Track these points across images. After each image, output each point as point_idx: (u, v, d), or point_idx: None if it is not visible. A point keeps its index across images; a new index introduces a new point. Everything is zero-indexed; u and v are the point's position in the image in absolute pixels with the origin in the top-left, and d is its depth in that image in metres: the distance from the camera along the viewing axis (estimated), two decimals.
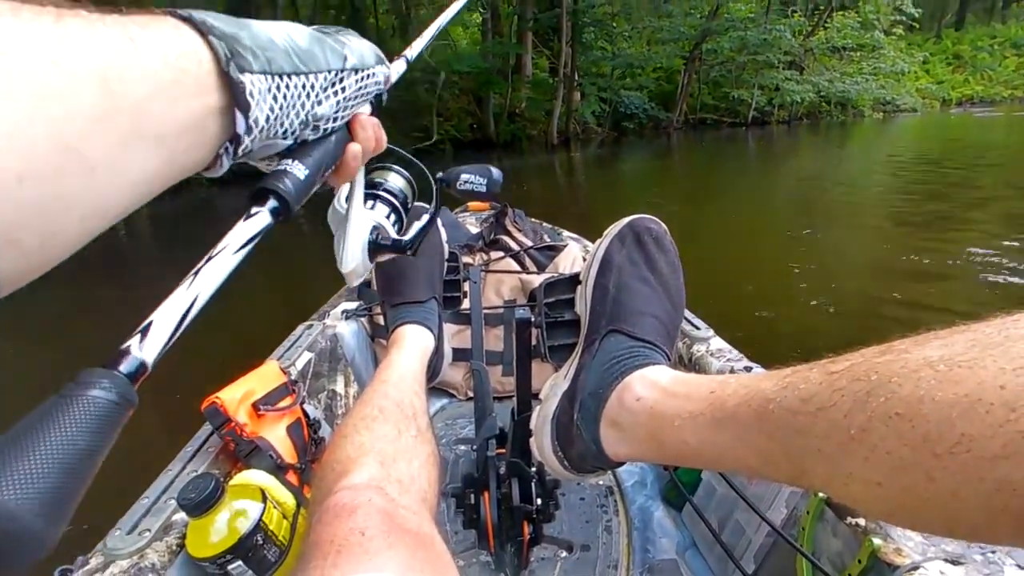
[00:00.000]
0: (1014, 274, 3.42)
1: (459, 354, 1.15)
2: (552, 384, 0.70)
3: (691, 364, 1.06)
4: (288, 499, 0.77)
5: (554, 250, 1.51)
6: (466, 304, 1.12)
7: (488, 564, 0.87)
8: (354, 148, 0.43)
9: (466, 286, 1.14)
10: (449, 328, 1.11)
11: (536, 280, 1.30)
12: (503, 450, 0.80)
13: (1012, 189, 6.14)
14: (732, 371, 0.94)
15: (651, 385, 0.58)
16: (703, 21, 13.95)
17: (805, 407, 0.39)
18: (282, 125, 0.35)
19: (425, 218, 0.65)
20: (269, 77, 0.32)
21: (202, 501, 0.66)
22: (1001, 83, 24.20)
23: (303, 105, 0.36)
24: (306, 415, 0.98)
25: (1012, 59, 25.16)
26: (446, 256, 1.10)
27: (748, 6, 15.28)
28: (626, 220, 0.79)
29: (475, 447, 0.83)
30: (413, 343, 0.92)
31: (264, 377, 0.95)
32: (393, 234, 0.60)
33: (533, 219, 1.86)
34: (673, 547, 0.94)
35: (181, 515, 0.73)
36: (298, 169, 0.38)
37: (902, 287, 3.38)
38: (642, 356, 0.65)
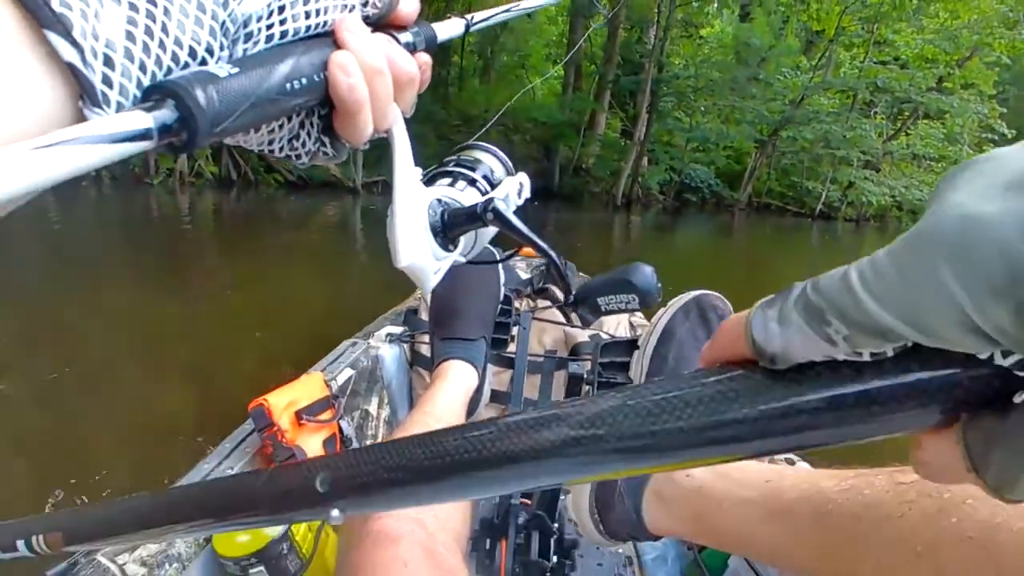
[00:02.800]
0: None
1: (495, 396, 1.13)
2: None
3: None
4: None
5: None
6: (511, 348, 1.10)
7: None
8: (340, 56, 0.29)
9: (515, 330, 1.11)
10: (491, 369, 1.11)
11: (580, 335, 1.29)
12: (527, 500, 0.79)
13: None
14: (771, 459, 0.91)
15: None
16: (786, 108, 13.92)
17: (869, 514, 0.37)
18: (174, 42, 0.24)
19: (519, 179, 0.52)
20: None
21: None
22: None
23: (200, 7, 0.24)
24: (341, 431, 0.99)
25: None
26: (501, 298, 1.08)
27: (831, 101, 15.23)
28: (692, 294, 0.77)
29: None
30: (458, 379, 0.89)
31: (309, 387, 0.97)
32: (469, 202, 0.44)
33: (583, 274, 1.84)
34: None
35: None
36: (223, 71, 0.24)
37: None
38: None
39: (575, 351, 1.25)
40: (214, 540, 0.69)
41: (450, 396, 0.84)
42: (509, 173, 0.52)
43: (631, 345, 0.83)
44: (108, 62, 0.21)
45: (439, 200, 0.42)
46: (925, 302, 0.15)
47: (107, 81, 0.21)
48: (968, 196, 0.14)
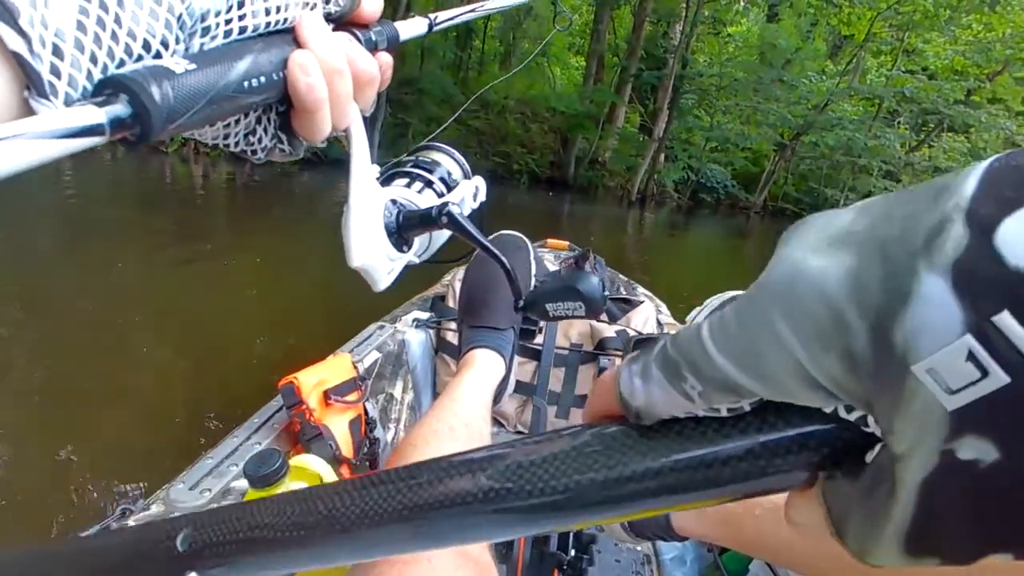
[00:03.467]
0: None
1: (519, 387, 1.14)
2: None
3: None
4: None
5: (629, 304, 1.50)
6: (538, 339, 1.11)
7: None
8: (300, 56, 0.28)
9: (542, 322, 1.13)
10: (516, 360, 1.08)
11: (607, 330, 1.29)
12: None
13: None
14: None
15: None
16: (809, 112, 13.74)
17: None
18: (128, 34, 0.22)
19: (475, 182, 0.52)
20: None
21: (267, 475, 0.67)
22: None
23: (159, 1, 0.23)
24: (367, 413, 1.00)
25: None
26: (531, 287, 1.04)
27: (855, 108, 15.02)
28: (729, 294, 0.76)
29: None
30: (485, 368, 0.86)
31: (338, 368, 0.98)
32: (424, 204, 0.45)
33: (611, 268, 1.87)
34: None
35: (241, 482, 0.74)
36: (180, 67, 0.24)
37: None
38: None
39: (601, 345, 1.25)
40: None
41: (477, 385, 0.83)
42: (466, 176, 0.52)
43: None
44: (57, 52, 0.20)
45: (394, 201, 0.42)
46: (764, 354, 0.15)
47: (55, 71, 0.20)
48: (799, 250, 0.15)
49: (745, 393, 0.16)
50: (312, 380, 0.90)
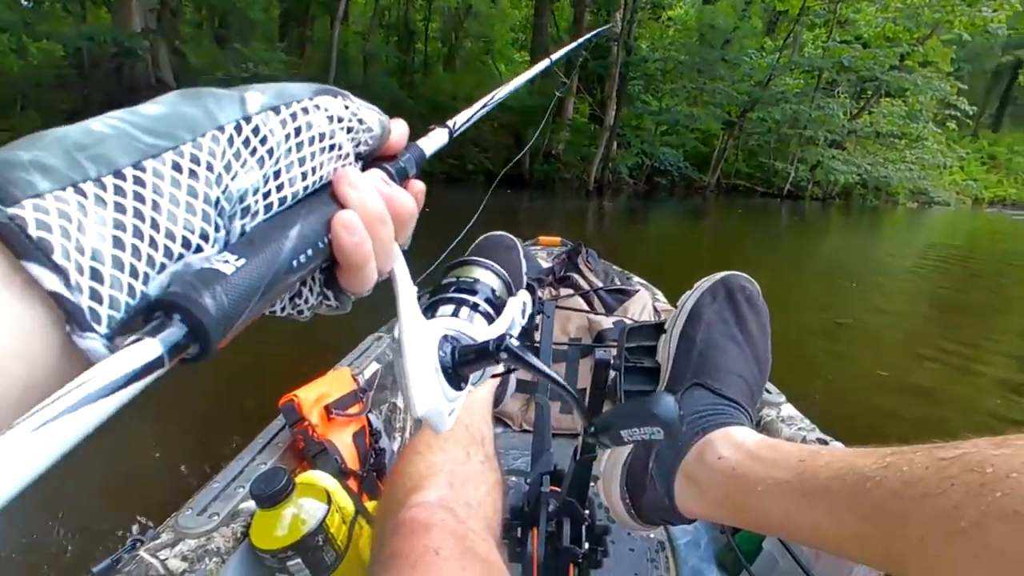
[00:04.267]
0: None
1: (520, 385, 1.13)
2: None
3: (760, 428, 1.01)
4: (348, 505, 0.78)
5: (624, 294, 1.50)
6: (535, 337, 1.11)
7: None
8: (344, 217, 0.27)
9: (538, 319, 1.14)
10: None
11: (604, 322, 1.28)
12: (557, 487, 0.79)
13: None
14: (804, 440, 0.92)
15: (735, 446, 0.57)
16: (753, 88, 13.99)
17: (908, 491, 0.37)
18: (166, 235, 0.22)
19: (522, 298, 0.50)
20: (87, 185, 0.20)
21: (273, 494, 0.68)
22: None
23: (192, 191, 0.22)
24: (370, 424, 1.01)
25: None
26: (524, 287, 1.05)
27: (796, 81, 15.38)
28: (720, 275, 0.77)
29: (528, 480, 0.82)
30: None
31: (338, 382, 0.99)
32: (479, 335, 0.42)
33: (605, 260, 1.85)
34: None
35: (248, 504, 0.75)
36: (230, 266, 0.22)
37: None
38: (726, 415, 0.64)
39: (600, 338, 1.25)
40: (251, 533, 0.71)
41: (477, 387, 0.83)
42: (510, 290, 0.51)
43: (658, 329, 0.83)
44: (96, 276, 0.19)
45: (446, 336, 0.40)
46: None
47: (96, 297, 0.19)
48: None
49: None
50: (312, 396, 0.90)
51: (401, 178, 0.33)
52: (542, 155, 14.16)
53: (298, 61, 11.46)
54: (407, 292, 0.35)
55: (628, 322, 1.30)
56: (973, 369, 3.56)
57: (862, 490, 0.41)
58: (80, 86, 10.32)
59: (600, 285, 1.56)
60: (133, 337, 0.19)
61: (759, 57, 14.31)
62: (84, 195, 0.19)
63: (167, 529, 0.72)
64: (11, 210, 0.18)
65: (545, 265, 1.76)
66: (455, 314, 0.45)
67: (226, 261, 0.22)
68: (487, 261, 0.51)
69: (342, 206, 0.28)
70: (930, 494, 0.32)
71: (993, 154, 25.66)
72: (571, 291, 1.49)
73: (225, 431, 2.10)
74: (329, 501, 0.73)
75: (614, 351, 0.89)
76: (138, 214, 0.21)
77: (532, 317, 1.12)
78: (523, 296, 0.50)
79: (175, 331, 0.19)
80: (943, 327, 4.59)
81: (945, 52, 15.21)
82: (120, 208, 0.20)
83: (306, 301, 0.31)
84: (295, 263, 0.25)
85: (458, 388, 0.38)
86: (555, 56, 0.89)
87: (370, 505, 0.87)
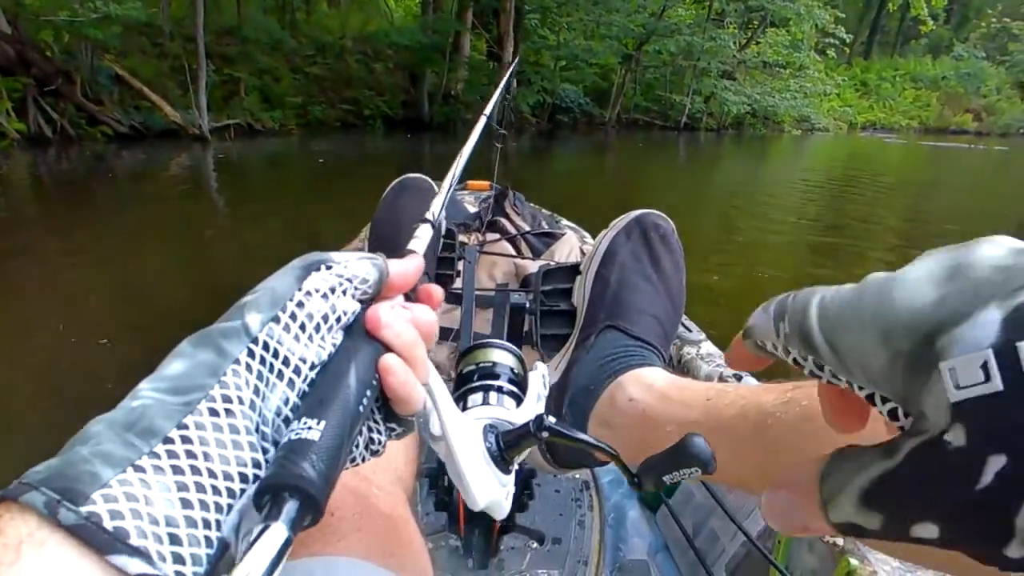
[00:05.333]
0: None
1: (445, 333, 1.10)
2: None
3: (679, 367, 1.03)
4: None
5: (551, 237, 1.47)
6: (458, 283, 1.09)
7: (457, 549, 0.85)
8: (387, 363, 0.29)
9: (460, 265, 1.12)
10: None
11: (531, 266, 1.27)
12: None
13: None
14: (722, 377, 0.93)
15: (646, 387, 0.57)
16: (649, 20, 13.97)
17: (806, 426, 0.39)
18: (226, 479, 0.24)
19: (540, 372, 0.50)
20: (144, 460, 0.22)
21: None
22: (900, 112, 26.16)
23: (234, 428, 0.25)
24: None
25: (910, 91, 27.22)
26: (443, 232, 1.08)
27: (688, 12, 15.52)
28: (633, 214, 0.76)
29: None
30: None
31: None
32: (512, 416, 0.45)
33: (533, 204, 1.83)
34: (645, 548, 0.94)
35: None
36: (315, 431, 0.24)
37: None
38: (638, 356, 0.63)
39: (526, 283, 1.21)
40: None
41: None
42: (525, 366, 0.52)
43: (574, 270, 0.82)
44: (174, 539, 0.21)
45: (487, 426, 0.42)
46: (845, 334, 0.20)
47: (178, 559, 0.21)
48: (912, 273, 0.19)
49: (817, 354, 0.21)
50: None
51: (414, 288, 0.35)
52: (440, 96, 13.64)
53: None
54: (444, 395, 0.36)
55: (553, 265, 1.24)
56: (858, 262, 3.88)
57: (763, 426, 0.42)
58: None
59: (527, 229, 1.53)
60: (258, 528, 0.21)
61: None
62: (144, 470, 0.21)
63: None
64: (85, 508, 0.20)
65: (472, 210, 1.74)
66: (486, 401, 0.46)
67: (309, 427, 0.24)
68: (499, 342, 0.52)
69: (379, 341, 0.30)
70: (828, 427, 0.31)
71: (865, 81, 27.37)
72: (497, 236, 1.45)
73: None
74: None
75: (532, 296, 0.88)
76: (195, 470, 0.22)
77: (453, 262, 1.10)
78: (541, 370, 0.51)
79: (290, 507, 0.21)
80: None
81: None
82: (178, 470, 0.22)
83: (378, 442, 0.33)
84: (361, 408, 0.27)
85: (507, 472, 0.40)
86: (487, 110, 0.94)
87: None
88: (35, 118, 8.13)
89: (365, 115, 12.61)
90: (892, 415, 0.20)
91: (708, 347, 1.04)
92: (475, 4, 13.47)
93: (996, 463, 0.15)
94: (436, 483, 0.81)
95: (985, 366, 0.15)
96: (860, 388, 0.21)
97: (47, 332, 2.59)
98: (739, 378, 0.91)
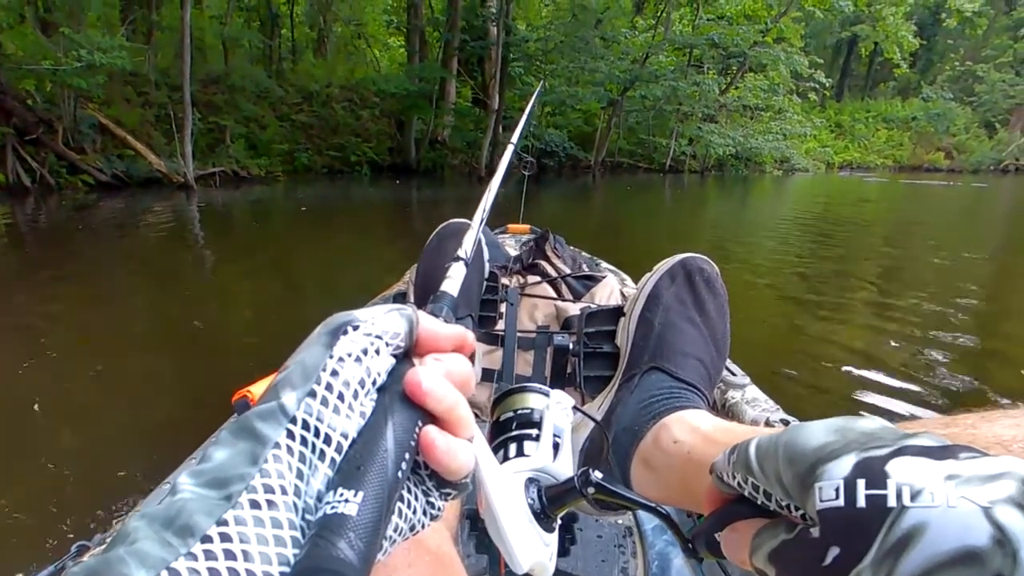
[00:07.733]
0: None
1: (487, 375, 1.09)
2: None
3: (724, 411, 1.00)
4: None
5: (592, 280, 1.47)
6: (500, 325, 1.10)
7: None
8: (430, 435, 0.27)
9: (502, 307, 1.13)
10: (480, 348, 1.09)
11: (571, 308, 1.26)
12: None
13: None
14: (768, 422, 0.90)
15: (691, 429, 0.57)
16: (632, 67, 14.27)
17: None
18: (275, 559, 0.22)
19: (565, 404, 0.48)
20: (179, 562, 0.21)
21: None
22: (875, 151, 27.08)
23: (276, 523, 0.23)
24: None
25: (883, 131, 28.24)
26: (486, 275, 1.10)
27: (669, 59, 15.92)
28: (678, 257, 0.77)
29: None
30: None
31: None
32: (554, 468, 0.42)
33: (573, 247, 1.81)
34: None
35: None
36: (352, 505, 0.22)
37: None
38: (683, 398, 0.64)
39: (567, 325, 1.21)
40: None
41: None
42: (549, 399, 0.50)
43: (617, 313, 0.83)
44: None
45: (528, 479, 0.40)
46: (769, 460, 0.29)
47: None
48: (814, 439, 0.27)
49: (753, 476, 0.30)
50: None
51: (448, 321, 0.34)
52: (427, 142, 13.70)
53: (144, 48, 10.18)
54: (484, 449, 0.33)
55: (594, 307, 1.20)
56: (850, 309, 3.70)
57: None
58: None
59: (568, 272, 1.51)
60: None
61: (632, 36, 14.62)
62: (179, 573, 0.20)
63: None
64: None
65: (513, 253, 1.73)
66: (524, 452, 0.44)
67: (346, 500, 0.22)
68: (536, 385, 0.50)
69: (419, 408, 0.27)
70: None
71: (839, 122, 28.26)
72: (538, 278, 1.44)
73: (191, 434, 1.73)
74: None
75: (575, 337, 0.87)
76: (233, 572, 0.21)
77: (495, 304, 1.12)
78: (559, 398, 0.49)
79: None
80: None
81: (796, 28, 16.38)
82: (215, 573, 0.21)
83: (429, 516, 0.30)
84: (400, 473, 0.25)
85: (550, 530, 0.37)
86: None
87: None
88: (14, 167, 7.95)
89: (352, 161, 12.61)
90: (802, 514, 0.28)
91: (753, 391, 1.02)
92: (460, 52, 13.68)
93: (834, 552, 0.24)
94: (477, 525, 0.79)
95: (838, 489, 0.24)
96: (779, 500, 0.29)
97: (17, 385, 2.37)
98: (786, 423, 0.87)
